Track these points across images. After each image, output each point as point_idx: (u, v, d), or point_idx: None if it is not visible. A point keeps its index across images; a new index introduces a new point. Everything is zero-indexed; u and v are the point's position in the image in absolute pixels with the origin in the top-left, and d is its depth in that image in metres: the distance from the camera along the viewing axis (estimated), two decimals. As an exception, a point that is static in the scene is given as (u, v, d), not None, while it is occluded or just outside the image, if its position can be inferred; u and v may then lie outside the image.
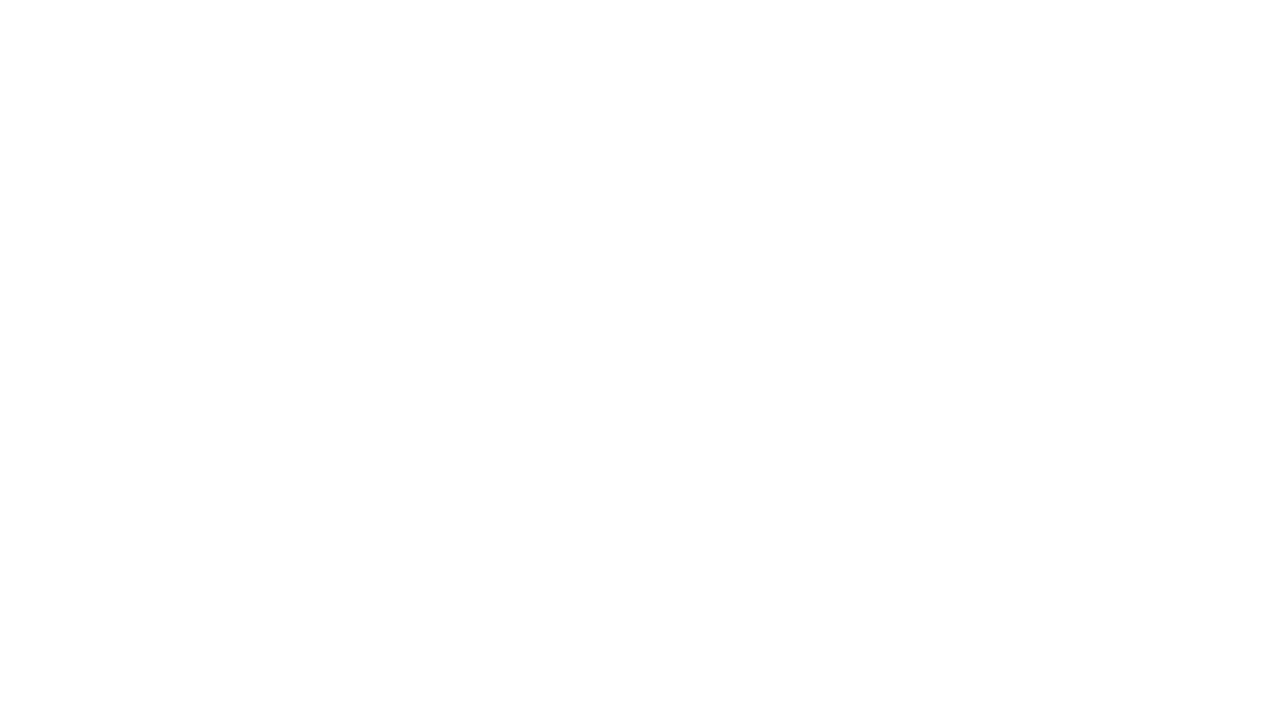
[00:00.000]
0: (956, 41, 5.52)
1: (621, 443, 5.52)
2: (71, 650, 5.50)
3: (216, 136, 5.58)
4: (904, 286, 5.51)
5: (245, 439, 5.54)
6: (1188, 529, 5.42)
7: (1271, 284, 5.42)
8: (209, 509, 5.52)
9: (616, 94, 5.56)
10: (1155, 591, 5.41)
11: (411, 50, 5.58)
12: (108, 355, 5.54)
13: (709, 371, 5.52)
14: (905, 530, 5.47)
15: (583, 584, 5.50)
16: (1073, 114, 5.50)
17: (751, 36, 5.55)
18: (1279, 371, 5.41)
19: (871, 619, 5.46)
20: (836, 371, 5.50)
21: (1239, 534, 5.40)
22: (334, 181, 5.57)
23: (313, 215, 5.57)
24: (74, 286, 5.56)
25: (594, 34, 5.57)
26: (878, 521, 5.47)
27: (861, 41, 5.54)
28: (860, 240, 5.52)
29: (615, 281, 5.54)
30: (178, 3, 5.58)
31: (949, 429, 5.47)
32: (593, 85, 5.57)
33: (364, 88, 5.58)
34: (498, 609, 5.51)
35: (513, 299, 5.55)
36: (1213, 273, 5.46)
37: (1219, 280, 5.45)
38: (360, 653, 5.50)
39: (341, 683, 5.49)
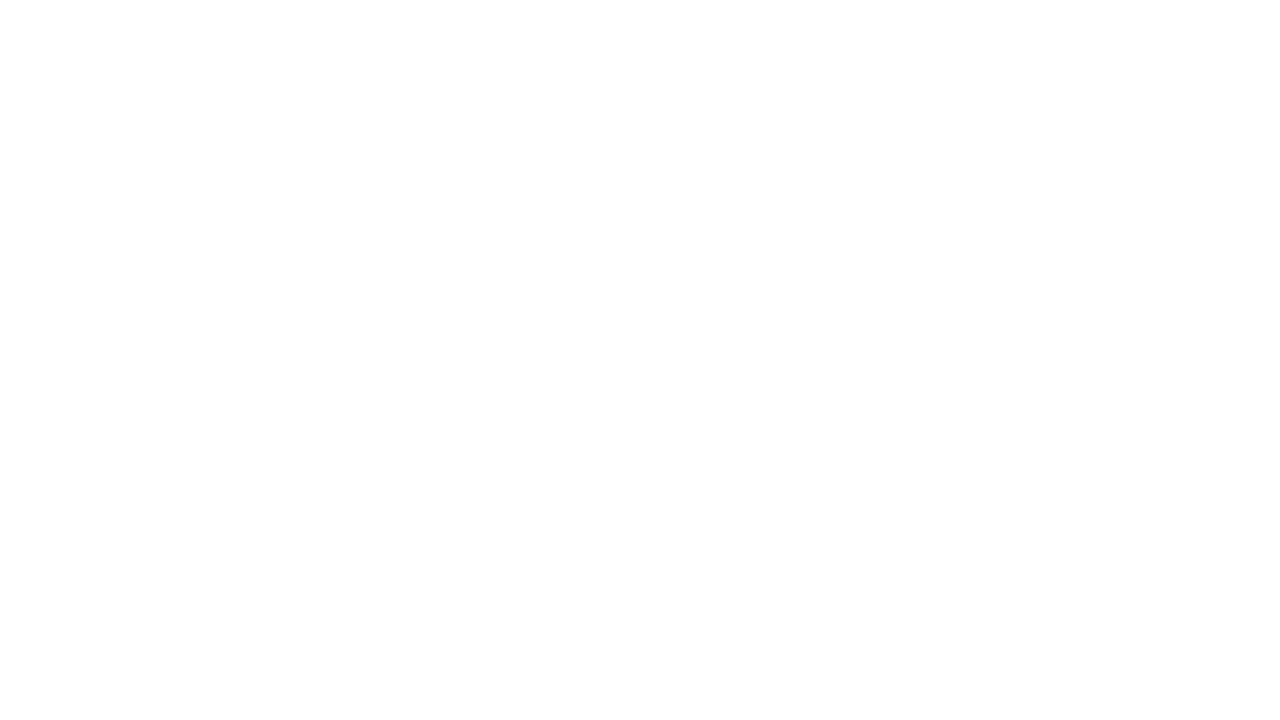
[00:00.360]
0: (956, 41, 5.52)
1: (621, 443, 5.52)
2: (71, 650, 5.50)
3: (216, 136, 5.58)
4: (904, 286, 5.51)
5: (245, 439, 5.54)
6: (1188, 529, 5.42)
7: (1272, 284, 5.43)
8: (209, 509, 5.53)
9: (617, 94, 5.56)
10: (1155, 591, 5.42)
11: (411, 50, 5.58)
12: (108, 355, 5.54)
13: (708, 371, 5.52)
14: (905, 530, 5.47)
15: (582, 584, 5.50)
16: (1073, 114, 5.50)
17: (751, 36, 5.55)
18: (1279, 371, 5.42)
19: (871, 619, 5.46)
20: (836, 371, 5.51)
21: (1239, 534, 5.40)
22: (334, 181, 5.57)
23: (313, 215, 5.57)
24: (74, 286, 5.56)
25: (594, 34, 5.57)
26: (878, 522, 5.48)
27: (861, 42, 5.54)
28: (860, 240, 5.52)
29: (615, 282, 5.54)
30: (178, 3, 5.58)
31: (949, 429, 5.48)
32: (593, 85, 5.57)
33: (364, 88, 5.58)
34: (497, 609, 5.51)
35: (513, 299, 5.55)
36: (1213, 273, 5.46)
37: (1219, 280, 5.45)
38: (360, 653, 5.50)
39: (341, 683, 5.50)
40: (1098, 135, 5.50)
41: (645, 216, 5.55)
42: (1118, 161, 5.49)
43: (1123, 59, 5.49)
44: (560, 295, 5.55)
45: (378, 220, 5.57)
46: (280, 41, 5.58)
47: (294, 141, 5.57)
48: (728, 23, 5.55)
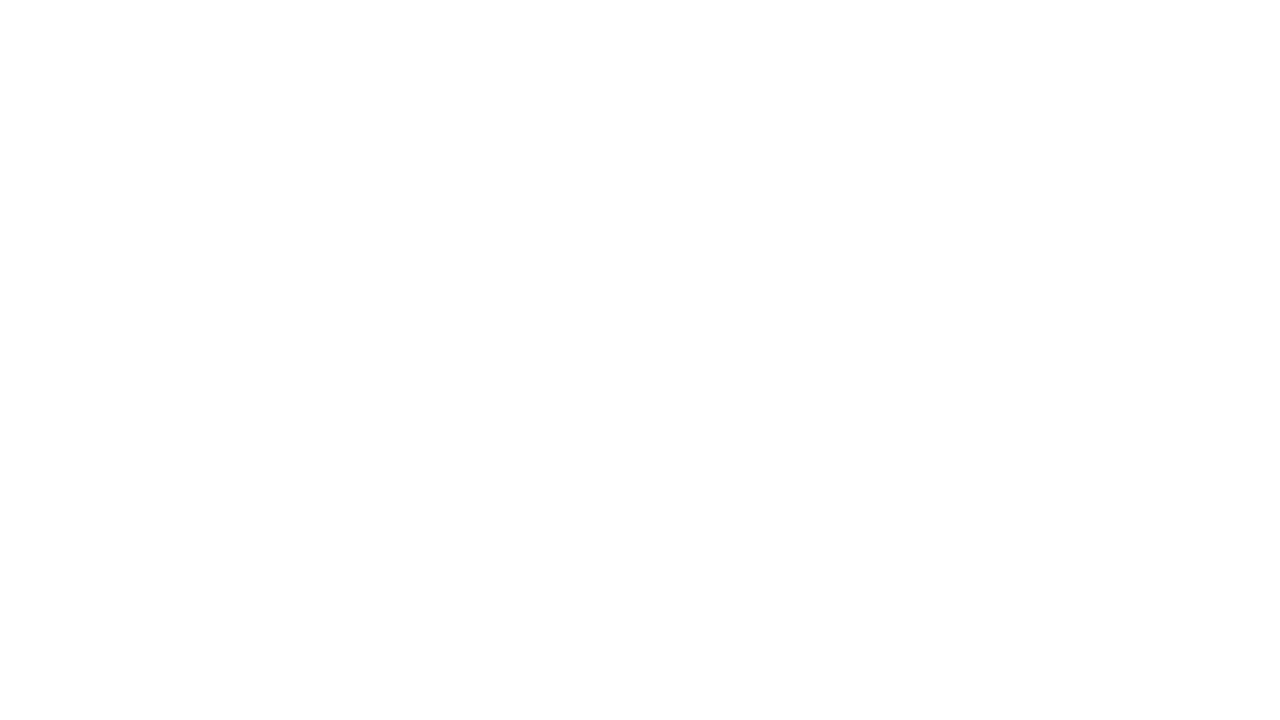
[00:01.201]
0: (956, 42, 5.53)
1: (621, 443, 5.52)
2: (71, 650, 5.51)
3: (216, 136, 5.59)
4: (904, 287, 5.51)
5: (245, 439, 5.54)
6: (1188, 529, 5.42)
7: (1272, 284, 5.43)
8: (209, 509, 5.53)
9: (617, 94, 5.56)
10: (1155, 592, 5.42)
11: (412, 50, 5.58)
12: (108, 355, 5.54)
13: (708, 371, 5.52)
14: (905, 531, 5.47)
15: (582, 584, 5.50)
16: (1073, 114, 5.50)
17: (751, 36, 5.55)
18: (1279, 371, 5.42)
19: (871, 619, 5.46)
20: (836, 372, 5.51)
21: (1239, 534, 5.40)
22: (334, 181, 5.58)
23: (313, 215, 5.57)
24: (74, 286, 5.56)
25: (594, 34, 5.57)
26: (878, 522, 5.48)
27: (861, 42, 5.54)
28: (860, 240, 5.53)
29: (615, 282, 5.54)
30: (178, 3, 5.58)
31: (949, 429, 5.48)
32: (593, 85, 5.57)
33: (364, 88, 5.58)
34: (498, 609, 5.51)
35: (513, 299, 5.55)
36: (1212, 273, 5.46)
37: (1219, 280, 5.46)
38: (360, 653, 5.50)
39: (341, 683, 5.50)
40: (1098, 135, 5.50)
41: (645, 217, 5.55)
42: (1118, 161, 5.49)
43: (1123, 59, 5.50)
44: (560, 295, 5.55)
45: (378, 220, 5.57)
46: (280, 42, 5.58)
47: (294, 142, 5.58)
48: (728, 23, 5.55)
